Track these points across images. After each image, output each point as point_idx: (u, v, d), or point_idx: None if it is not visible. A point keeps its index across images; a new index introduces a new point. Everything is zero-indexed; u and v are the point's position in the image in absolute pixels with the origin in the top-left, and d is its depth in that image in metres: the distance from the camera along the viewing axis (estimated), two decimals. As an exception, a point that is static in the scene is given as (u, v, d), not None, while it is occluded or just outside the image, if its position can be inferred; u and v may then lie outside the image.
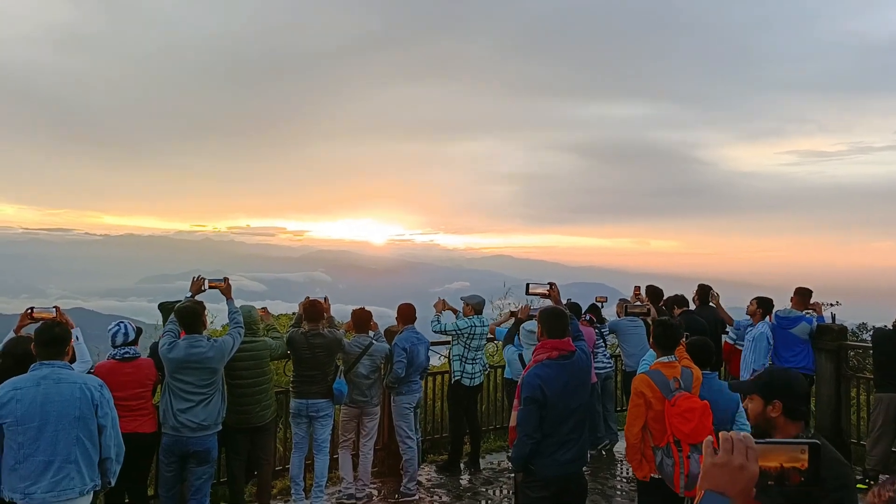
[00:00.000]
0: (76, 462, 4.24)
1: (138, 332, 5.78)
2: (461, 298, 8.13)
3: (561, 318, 4.77)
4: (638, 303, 8.67)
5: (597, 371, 8.36)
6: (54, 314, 5.21)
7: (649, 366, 5.13)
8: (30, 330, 4.94)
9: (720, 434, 1.71)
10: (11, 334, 5.20)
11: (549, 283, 5.64)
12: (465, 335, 7.79)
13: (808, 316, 8.43)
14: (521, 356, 6.63)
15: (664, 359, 4.94)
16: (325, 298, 6.90)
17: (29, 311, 5.31)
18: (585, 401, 4.87)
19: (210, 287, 5.94)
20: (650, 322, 8.29)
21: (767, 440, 1.77)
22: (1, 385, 4.29)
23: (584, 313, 8.57)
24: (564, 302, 7.94)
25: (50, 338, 4.35)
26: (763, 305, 8.26)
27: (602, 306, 9.24)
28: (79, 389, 4.29)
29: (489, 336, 8.11)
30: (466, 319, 7.86)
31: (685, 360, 5.02)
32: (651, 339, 5.16)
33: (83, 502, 4.31)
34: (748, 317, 8.42)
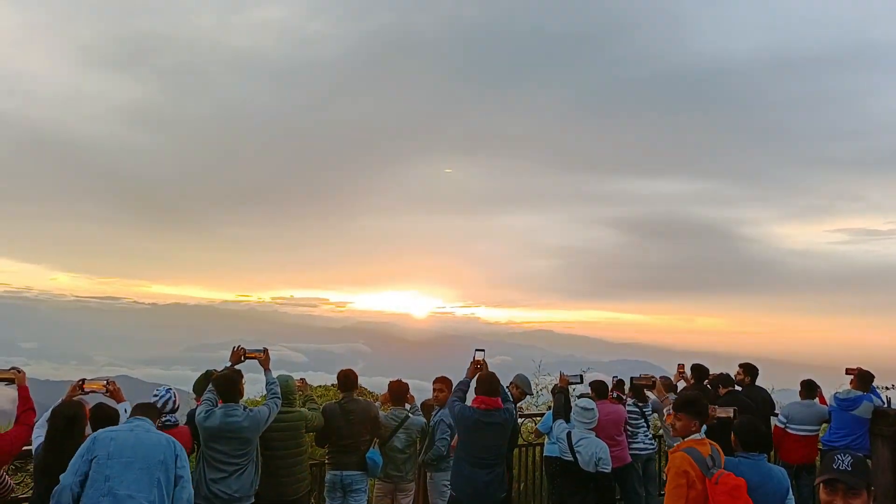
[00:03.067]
0: (153, 503, 4.46)
1: (177, 400, 5.85)
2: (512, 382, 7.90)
3: (491, 381, 6.20)
4: (659, 377, 8.38)
5: (638, 452, 8.05)
6: (105, 384, 5.39)
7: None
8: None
9: None
10: (60, 401, 5.29)
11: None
12: None
13: (868, 394, 8.16)
14: (569, 434, 6.45)
15: (696, 436, 4.81)
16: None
17: (80, 382, 5.42)
18: (497, 451, 6.13)
19: (248, 357, 5.98)
20: (654, 394, 8.11)
21: None
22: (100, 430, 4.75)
23: (611, 390, 8.16)
24: (612, 378, 7.84)
25: (147, 405, 5.07)
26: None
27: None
28: (165, 439, 4.76)
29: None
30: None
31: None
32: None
33: None
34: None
